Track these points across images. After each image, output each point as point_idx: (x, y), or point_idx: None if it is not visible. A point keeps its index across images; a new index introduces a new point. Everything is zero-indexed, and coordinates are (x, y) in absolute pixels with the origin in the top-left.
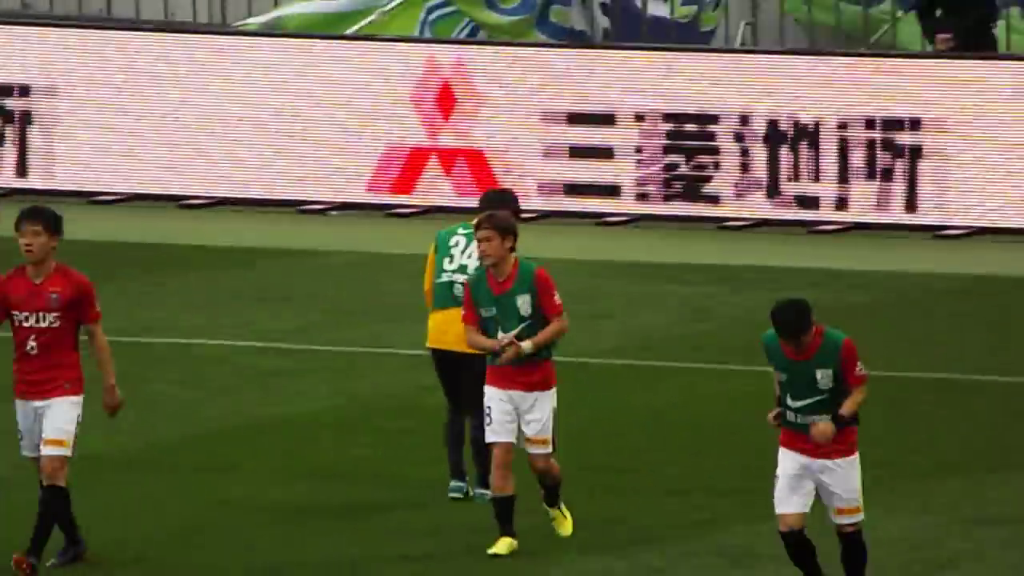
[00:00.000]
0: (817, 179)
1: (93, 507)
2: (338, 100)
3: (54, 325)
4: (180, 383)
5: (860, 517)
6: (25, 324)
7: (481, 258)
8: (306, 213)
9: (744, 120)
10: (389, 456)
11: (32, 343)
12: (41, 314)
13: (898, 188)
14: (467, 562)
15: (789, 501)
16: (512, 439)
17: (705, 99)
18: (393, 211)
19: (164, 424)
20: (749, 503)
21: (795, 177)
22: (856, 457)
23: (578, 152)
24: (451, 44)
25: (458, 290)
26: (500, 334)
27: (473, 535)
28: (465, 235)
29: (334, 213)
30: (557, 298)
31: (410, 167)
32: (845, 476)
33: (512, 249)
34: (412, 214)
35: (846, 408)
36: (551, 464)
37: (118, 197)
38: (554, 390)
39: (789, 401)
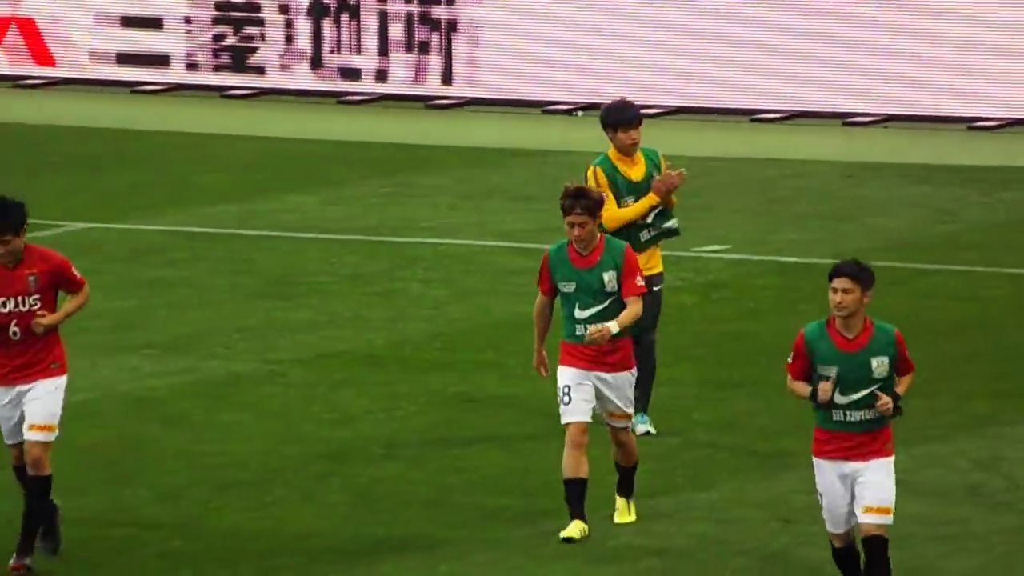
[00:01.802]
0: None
1: (343, 403)
2: None
3: (35, 307)
4: (426, 282)
5: (888, 520)
6: (3, 310)
7: (575, 241)
8: (550, 113)
9: None
10: None
11: (14, 328)
12: (21, 298)
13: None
14: (707, 452)
15: (840, 521)
16: (588, 419)
17: None
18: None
19: (411, 322)
20: (999, 409)
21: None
22: (892, 459)
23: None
24: None
25: None
26: (576, 311)
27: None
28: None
29: (580, 113)
30: (640, 280)
31: None
32: (879, 477)
33: (601, 226)
34: (667, 113)
35: (901, 388)
36: (630, 437)
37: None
38: (634, 369)
39: (838, 398)
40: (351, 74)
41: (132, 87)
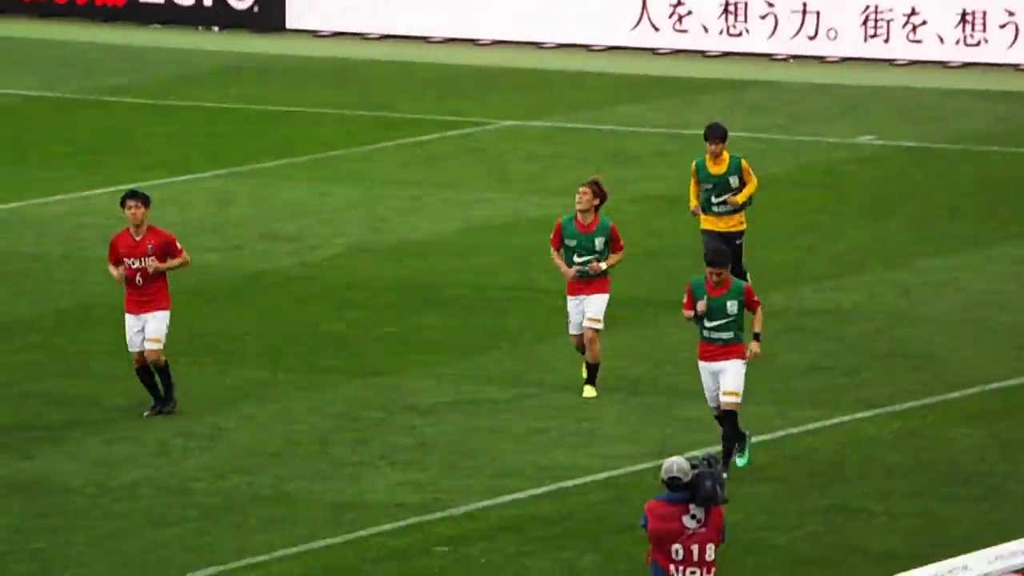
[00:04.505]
0: None
1: None
2: None
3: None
4: None
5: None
6: (133, 266)
7: (578, 204)
8: None
9: None
10: None
11: (139, 278)
12: (142, 259)
13: None
14: None
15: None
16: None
17: None
18: None
19: None
20: None
21: None
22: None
23: None
24: None
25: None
26: (575, 258)
27: None
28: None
29: None
30: (621, 242)
31: None
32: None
33: (598, 206)
34: None
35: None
36: (597, 338)
37: None
38: (608, 293)
39: (706, 322)
40: None
41: None
